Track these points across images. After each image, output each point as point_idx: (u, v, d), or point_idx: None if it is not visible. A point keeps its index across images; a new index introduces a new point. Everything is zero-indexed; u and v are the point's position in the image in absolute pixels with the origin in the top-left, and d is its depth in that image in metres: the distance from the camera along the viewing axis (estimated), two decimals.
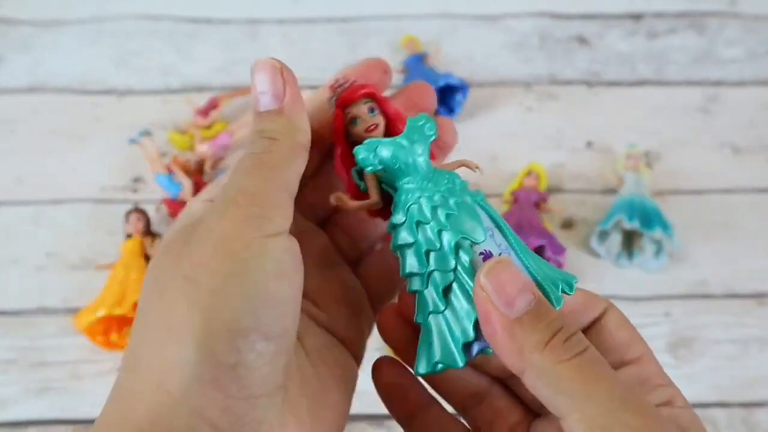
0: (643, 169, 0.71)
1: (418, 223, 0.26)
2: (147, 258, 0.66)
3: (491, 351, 0.25)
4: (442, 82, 0.75)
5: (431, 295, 0.26)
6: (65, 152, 0.75)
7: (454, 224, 0.26)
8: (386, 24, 0.85)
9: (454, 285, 0.25)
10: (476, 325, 0.25)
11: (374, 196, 0.28)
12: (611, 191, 0.72)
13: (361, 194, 0.28)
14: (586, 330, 0.28)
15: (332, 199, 0.28)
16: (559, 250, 0.66)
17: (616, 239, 0.68)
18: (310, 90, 0.79)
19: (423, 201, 0.26)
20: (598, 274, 0.68)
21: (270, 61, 0.27)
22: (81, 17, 0.86)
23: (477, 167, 0.29)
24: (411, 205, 0.26)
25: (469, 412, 0.30)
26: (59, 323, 0.64)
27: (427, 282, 0.26)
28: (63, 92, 0.80)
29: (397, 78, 0.79)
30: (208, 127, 0.74)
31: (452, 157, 0.31)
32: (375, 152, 0.27)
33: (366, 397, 0.34)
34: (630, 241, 0.69)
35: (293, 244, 0.24)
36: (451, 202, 0.26)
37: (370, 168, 0.27)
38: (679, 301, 0.66)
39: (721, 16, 0.87)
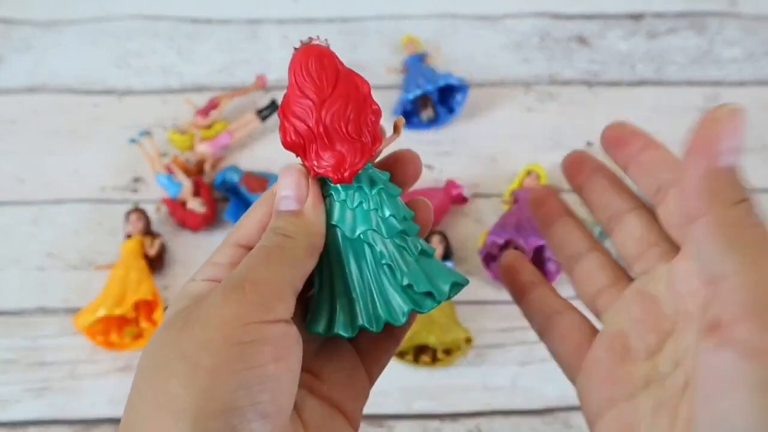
0: None
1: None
2: (147, 258, 0.66)
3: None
4: (442, 82, 0.75)
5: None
6: (65, 152, 0.75)
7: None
8: (386, 24, 0.85)
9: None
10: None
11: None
12: None
13: None
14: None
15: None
16: None
17: None
18: None
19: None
20: None
21: (297, 167, 0.29)
22: (81, 17, 0.86)
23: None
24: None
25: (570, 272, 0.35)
26: (59, 323, 0.64)
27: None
28: (63, 92, 0.80)
29: (397, 78, 0.79)
30: (208, 127, 0.74)
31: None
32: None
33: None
34: None
35: (291, 329, 0.26)
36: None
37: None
38: None
39: (721, 16, 0.87)
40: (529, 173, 0.71)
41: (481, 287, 0.66)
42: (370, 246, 0.29)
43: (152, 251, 0.66)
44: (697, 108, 0.80)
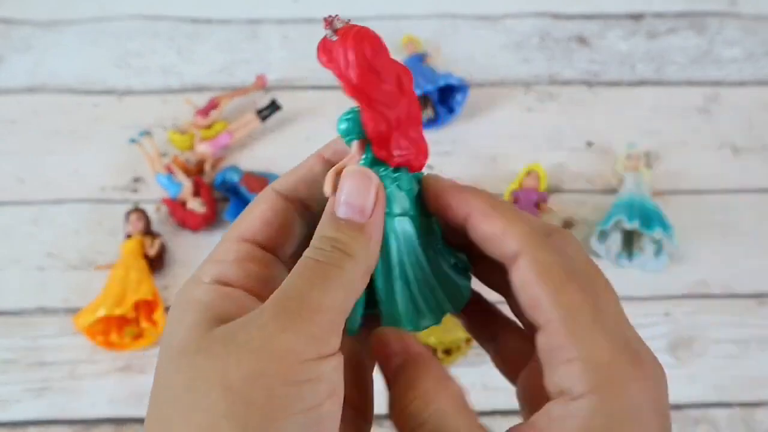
0: (643, 169, 0.71)
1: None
2: (147, 258, 0.66)
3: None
4: (442, 82, 0.75)
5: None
6: (65, 152, 0.75)
7: None
8: (386, 24, 0.85)
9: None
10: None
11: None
12: (611, 191, 0.72)
13: None
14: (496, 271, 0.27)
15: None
16: None
17: (616, 239, 0.68)
18: (312, 91, 0.80)
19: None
20: None
21: (367, 172, 0.26)
22: (81, 17, 0.86)
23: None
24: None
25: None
26: (59, 323, 0.64)
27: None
28: (63, 92, 0.80)
29: None
30: (208, 127, 0.74)
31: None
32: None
33: None
34: (630, 241, 0.69)
35: (341, 361, 0.24)
36: None
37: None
38: (679, 301, 0.67)
39: (721, 16, 0.87)
40: (529, 173, 0.71)
41: (480, 287, 0.66)
42: (429, 229, 0.28)
43: (152, 251, 0.66)
44: (697, 108, 0.80)
